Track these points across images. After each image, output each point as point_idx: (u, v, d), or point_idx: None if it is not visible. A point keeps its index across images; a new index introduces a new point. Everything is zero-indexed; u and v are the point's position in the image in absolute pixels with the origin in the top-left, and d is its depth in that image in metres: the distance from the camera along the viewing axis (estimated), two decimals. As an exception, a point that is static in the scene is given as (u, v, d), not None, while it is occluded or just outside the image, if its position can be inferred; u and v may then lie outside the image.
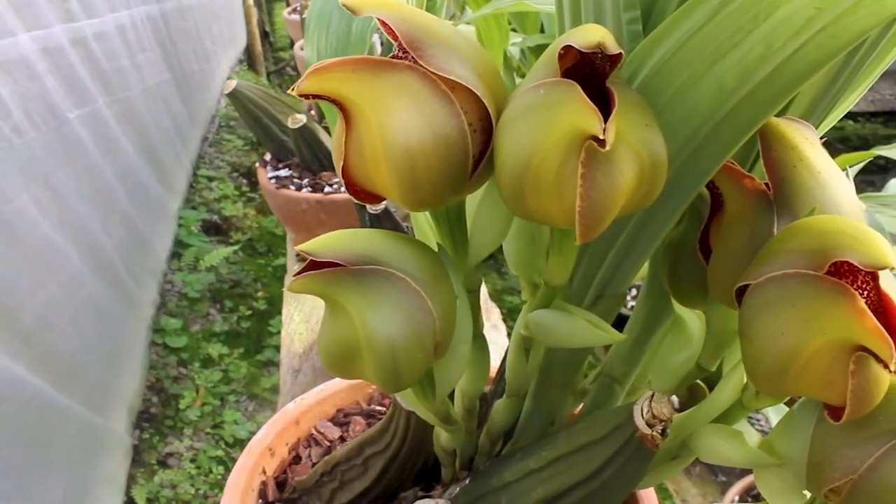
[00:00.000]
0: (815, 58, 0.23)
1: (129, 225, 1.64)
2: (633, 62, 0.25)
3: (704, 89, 0.24)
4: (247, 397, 1.71)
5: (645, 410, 0.29)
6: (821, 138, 0.31)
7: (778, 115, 0.29)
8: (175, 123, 2.22)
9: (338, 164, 0.26)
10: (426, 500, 0.30)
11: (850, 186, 0.27)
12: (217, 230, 2.30)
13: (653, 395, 0.30)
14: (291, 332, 0.89)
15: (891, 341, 0.20)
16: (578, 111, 0.21)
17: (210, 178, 2.52)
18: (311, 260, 0.25)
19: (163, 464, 1.48)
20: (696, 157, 0.27)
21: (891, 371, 0.20)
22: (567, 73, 0.24)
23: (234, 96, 0.93)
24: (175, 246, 2.08)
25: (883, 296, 0.21)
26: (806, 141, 0.27)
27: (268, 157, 1.01)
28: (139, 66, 1.88)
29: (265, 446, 0.50)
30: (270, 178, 0.94)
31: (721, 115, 0.25)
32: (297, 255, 1.11)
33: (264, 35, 3.75)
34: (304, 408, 0.54)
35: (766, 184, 0.28)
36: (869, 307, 0.22)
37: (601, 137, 0.20)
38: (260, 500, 0.48)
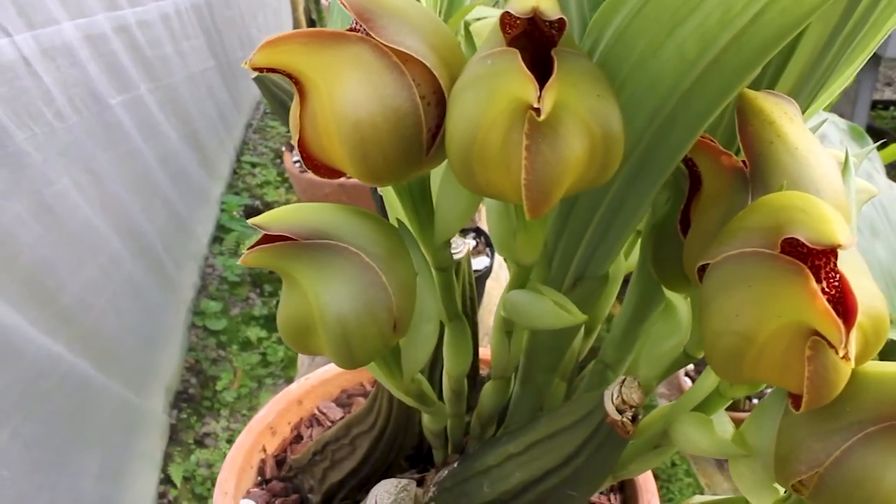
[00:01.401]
0: (781, 24, 0.21)
1: (170, 209, 1.68)
2: (592, 32, 0.24)
3: (666, 58, 0.23)
4: (284, 381, 1.73)
5: (615, 396, 0.29)
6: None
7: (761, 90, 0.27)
8: (219, 110, 2.25)
9: (294, 138, 0.26)
10: (391, 479, 0.30)
11: (833, 164, 0.26)
12: (259, 215, 2.33)
13: (624, 381, 0.29)
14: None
15: (841, 325, 0.18)
16: (518, 80, 0.20)
17: (253, 164, 2.56)
18: (266, 234, 0.25)
19: (199, 443, 1.52)
20: (667, 131, 0.25)
21: (842, 357, 0.19)
22: (521, 43, 0.23)
23: (259, 80, 0.94)
24: (217, 230, 2.12)
25: (841, 277, 0.20)
26: (785, 115, 0.26)
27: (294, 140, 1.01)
28: (183, 54, 1.92)
29: (266, 425, 0.50)
30: (295, 162, 0.95)
31: (686, 85, 0.23)
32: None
33: (311, 24, 3.78)
34: (307, 388, 0.54)
35: (744, 161, 0.26)
36: (833, 289, 0.21)
37: (536, 106, 0.19)
38: (259, 478, 0.49)
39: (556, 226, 0.31)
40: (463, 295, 0.43)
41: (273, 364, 1.78)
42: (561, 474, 0.32)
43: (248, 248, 0.25)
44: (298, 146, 0.26)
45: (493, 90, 0.21)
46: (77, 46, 1.29)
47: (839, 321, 0.18)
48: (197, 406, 1.62)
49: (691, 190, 0.29)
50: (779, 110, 0.26)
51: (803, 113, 0.31)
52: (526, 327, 0.33)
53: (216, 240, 2.10)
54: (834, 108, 2.13)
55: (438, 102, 0.24)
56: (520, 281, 0.30)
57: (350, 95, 0.23)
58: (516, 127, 0.21)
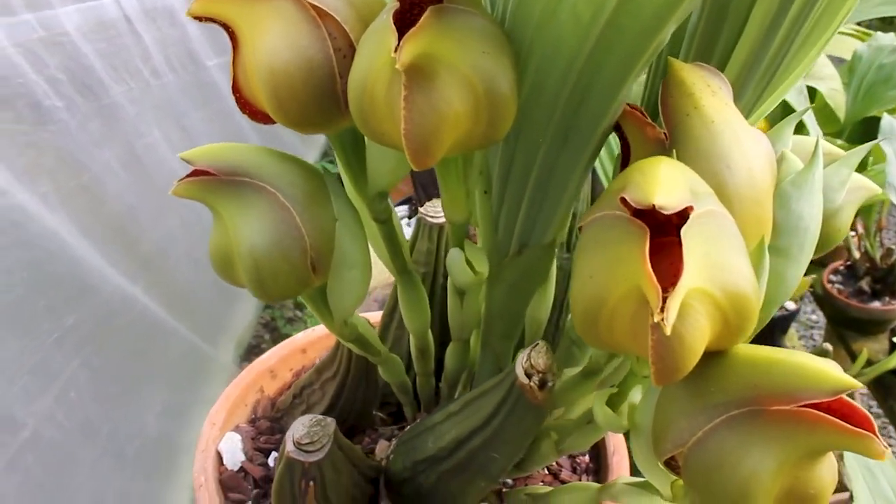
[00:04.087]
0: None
1: (258, 171, 1.75)
2: (500, -8, 0.24)
3: (563, 19, 0.23)
4: (351, 345, 1.78)
5: (524, 360, 0.29)
6: None
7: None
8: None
9: (229, 83, 0.27)
10: (309, 414, 0.31)
11: (755, 141, 0.25)
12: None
13: (535, 346, 0.29)
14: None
15: (658, 288, 0.18)
16: (391, 32, 0.21)
17: (348, 136, 2.63)
18: (194, 168, 0.27)
19: (265, 395, 1.59)
20: (584, 96, 0.25)
21: (659, 321, 0.18)
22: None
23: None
24: (305, 196, 2.19)
25: (680, 245, 0.19)
26: (707, 88, 0.25)
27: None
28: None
29: (266, 367, 0.53)
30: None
31: (588, 48, 0.23)
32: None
33: None
34: (312, 338, 0.56)
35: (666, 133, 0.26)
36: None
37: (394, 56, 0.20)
38: (252, 415, 0.51)
39: (498, 189, 0.31)
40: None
41: (344, 329, 1.84)
42: (483, 434, 0.32)
43: (178, 181, 0.27)
44: (233, 91, 0.27)
45: (378, 43, 0.22)
46: (178, 8, 1.36)
47: (657, 285, 0.18)
48: (266, 361, 1.69)
49: (623, 160, 0.29)
50: (701, 82, 0.25)
51: (762, 95, 0.30)
52: (458, 285, 0.33)
53: (303, 205, 2.17)
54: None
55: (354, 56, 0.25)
56: (455, 240, 0.31)
57: (269, 44, 0.25)
58: (397, 78, 0.22)
